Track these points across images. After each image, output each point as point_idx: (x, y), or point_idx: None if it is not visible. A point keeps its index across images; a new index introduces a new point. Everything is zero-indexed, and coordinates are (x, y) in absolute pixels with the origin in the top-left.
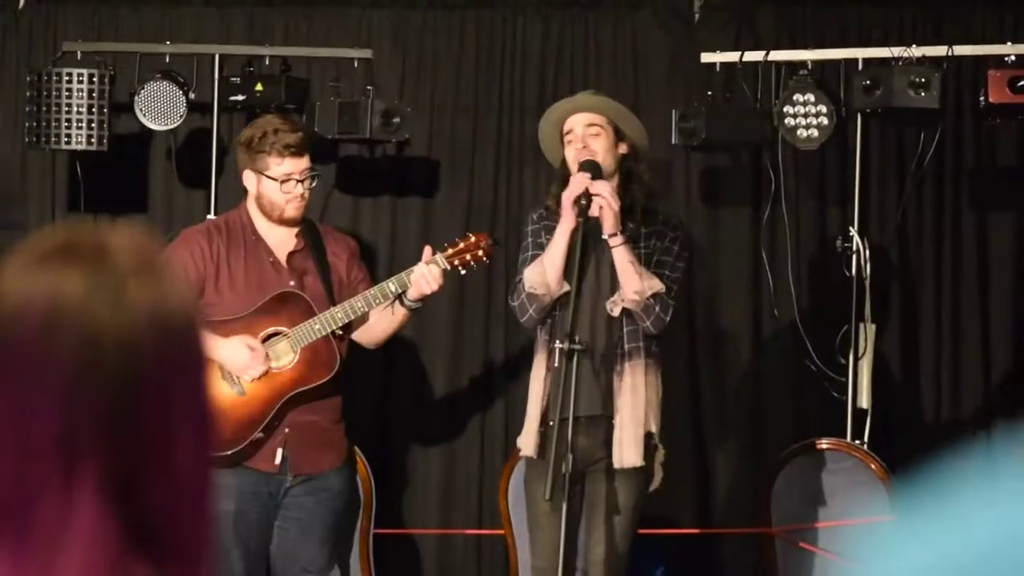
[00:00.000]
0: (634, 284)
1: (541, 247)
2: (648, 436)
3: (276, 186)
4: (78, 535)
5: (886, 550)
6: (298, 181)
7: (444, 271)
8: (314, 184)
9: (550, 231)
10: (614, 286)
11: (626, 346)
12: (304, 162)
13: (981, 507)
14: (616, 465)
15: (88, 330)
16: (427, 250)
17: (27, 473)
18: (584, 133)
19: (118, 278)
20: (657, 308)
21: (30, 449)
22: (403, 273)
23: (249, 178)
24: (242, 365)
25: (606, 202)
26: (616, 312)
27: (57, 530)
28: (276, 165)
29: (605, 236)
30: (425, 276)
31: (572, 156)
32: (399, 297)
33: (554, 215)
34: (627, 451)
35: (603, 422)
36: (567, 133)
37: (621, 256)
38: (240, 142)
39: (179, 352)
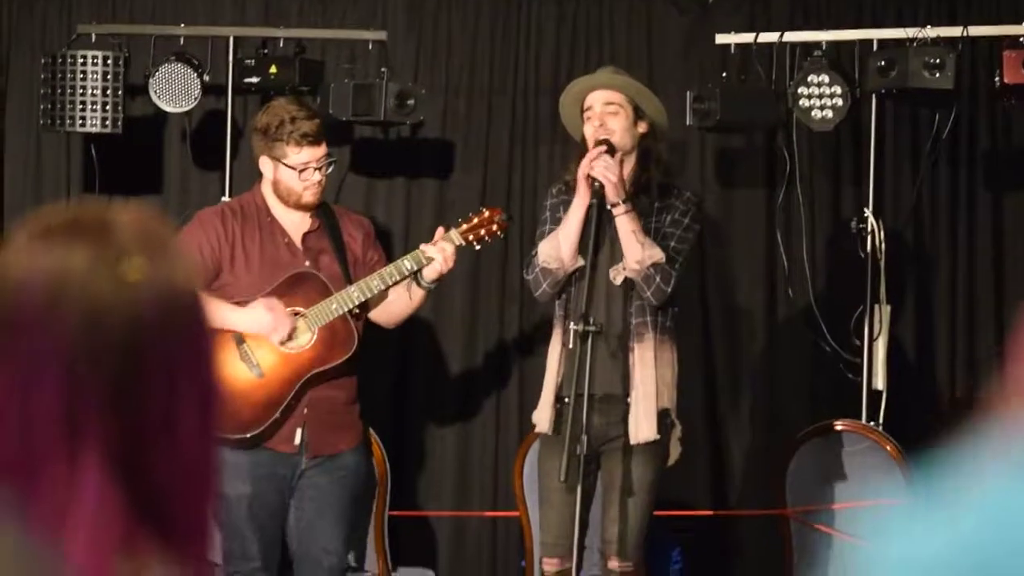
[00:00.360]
0: (635, 253)
1: (558, 222)
2: (663, 413)
3: (294, 174)
4: (83, 508)
5: (901, 531)
6: (316, 169)
7: (457, 248)
8: (331, 169)
9: (567, 206)
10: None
11: (633, 321)
12: (321, 150)
13: (995, 488)
14: (632, 441)
15: (91, 305)
16: (439, 231)
17: (31, 447)
18: (602, 111)
19: (121, 254)
20: (657, 278)
21: (34, 423)
22: (418, 250)
23: (266, 164)
24: (267, 327)
25: (603, 175)
26: (618, 280)
27: (63, 503)
28: (294, 154)
29: (608, 206)
30: (444, 258)
31: (590, 133)
32: (415, 278)
33: (572, 190)
34: (641, 426)
35: (619, 401)
36: (587, 109)
37: (624, 225)
38: (256, 128)
39: (183, 329)
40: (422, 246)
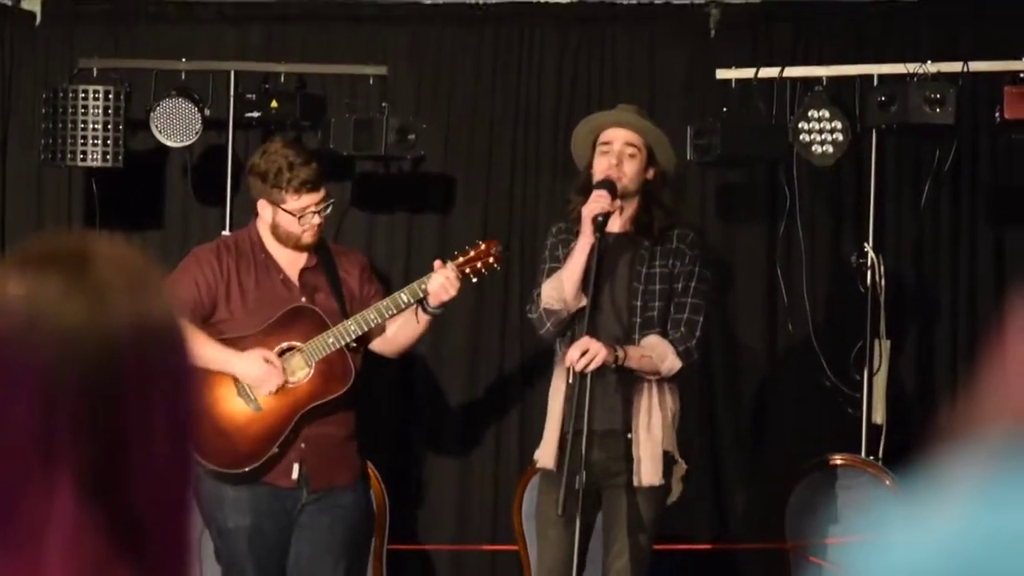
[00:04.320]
0: (656, 374)
1: (558, 260)
2: (666, 454)
3: (294, 219)
4: (58, 529)
5: (885, 539)
6: (315, 213)
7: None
8: (329, 211)
9: (567, 244)
10: (630, 303)
11: None
12: (320, 194)
13: (976, 497)
14: (635, 484)
15: (64, 332)
16: (437, 263)
17: (8, 471)
18: (622, 150)
19: (96, 284)
20: (686, 367)
21: (11, 447)
22: (415, 283)
23: (265, 208)
24: (257, 379)
25: (595, 359)
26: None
27: (38, 525)
28: (293, 200)
29: (613, 368)
30: (443, 284)
31: (602, 167)
32: (421, 304)
33: (573, 228)
34: (646, 471)
35: (620, 437)
36: (604, 143)
37: (633, 365)
38: (254, 172)
39: (159, 357)
40: (421, 280)
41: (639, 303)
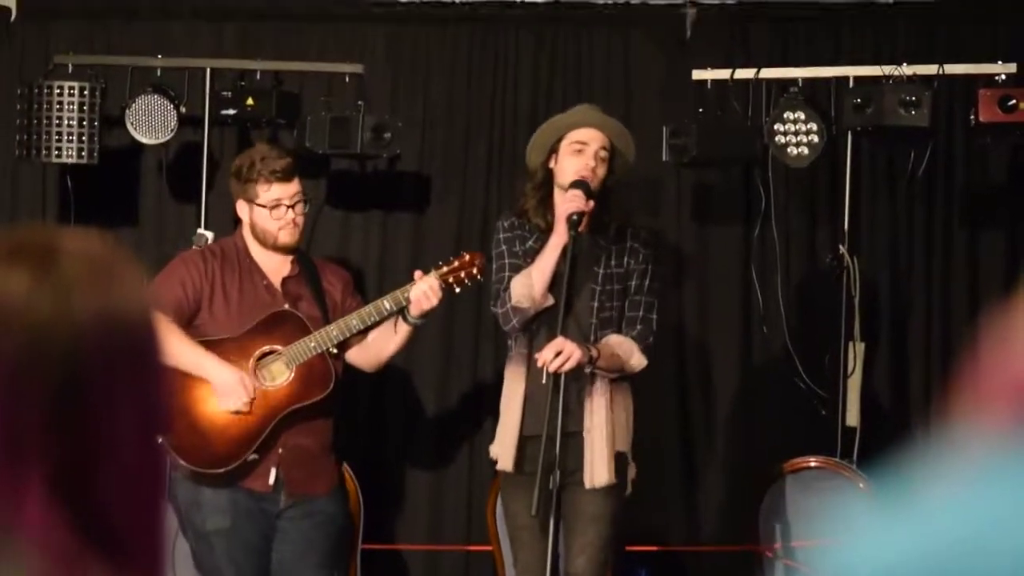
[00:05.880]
0: (621, 372)
1: (516, 256)
2: (619, 456)
3: (266, 213)
4: (28, 528)
5: (863, 535)
6: (288, 207)
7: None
8: (306, 209)
9: (524, 240)
10: (588, 304)
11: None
12: (292, 187)
13: (957, 493)
14: (587, 485)
15: (31, 327)
16: (417, 273)
17: None
18: (597, 152)
19: (64, 280)
20: (647, 360)
21: None
22: (398, 291)
23: (242, 208)
24: (225, 391)
25: (570, 360)
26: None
27: (7, 524)
28: (264, 192)
29: (586, 371)
30: (425, 292)
31: (574, 167)
32: (402, 315)
33: (529, 223)
34: (598, 471)
35: (578, 438)
36: (579, 142)
37: (603, 363)
38: (231, 173)
39: (127, 354)
40: (404, 288)
41: (595, 304)
